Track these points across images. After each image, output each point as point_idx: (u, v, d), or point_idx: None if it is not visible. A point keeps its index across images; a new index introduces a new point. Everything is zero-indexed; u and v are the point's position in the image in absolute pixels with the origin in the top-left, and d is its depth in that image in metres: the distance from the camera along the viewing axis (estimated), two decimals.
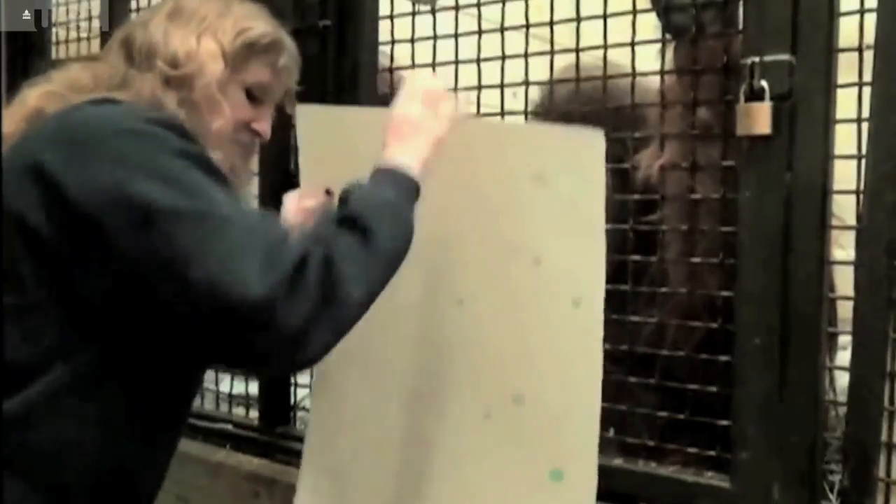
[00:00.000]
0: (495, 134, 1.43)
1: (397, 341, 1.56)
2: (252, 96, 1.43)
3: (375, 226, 1.20)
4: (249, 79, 1.42)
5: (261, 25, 1.43)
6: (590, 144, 1.33)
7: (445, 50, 1.83)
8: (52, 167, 1.17)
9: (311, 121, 1.70)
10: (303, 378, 2.08)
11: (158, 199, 1.13)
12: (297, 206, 1.64)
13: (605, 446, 1.69)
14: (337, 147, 1.63)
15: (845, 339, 1.46)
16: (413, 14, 1.88)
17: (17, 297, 1.19)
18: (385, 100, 1.96)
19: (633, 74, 1.64)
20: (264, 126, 1.46)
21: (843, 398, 1.46)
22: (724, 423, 1.52)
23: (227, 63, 1.38)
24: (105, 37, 2.46)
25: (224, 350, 1.17)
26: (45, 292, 1.19)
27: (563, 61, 1.74)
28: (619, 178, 1.76)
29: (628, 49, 1.62)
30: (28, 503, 1.18)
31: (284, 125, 1.76)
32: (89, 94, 1.31)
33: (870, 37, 1.37)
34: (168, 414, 1.34)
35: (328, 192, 1.58)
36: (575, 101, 1.72)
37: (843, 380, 1.46)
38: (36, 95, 1.33)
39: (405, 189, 1.28)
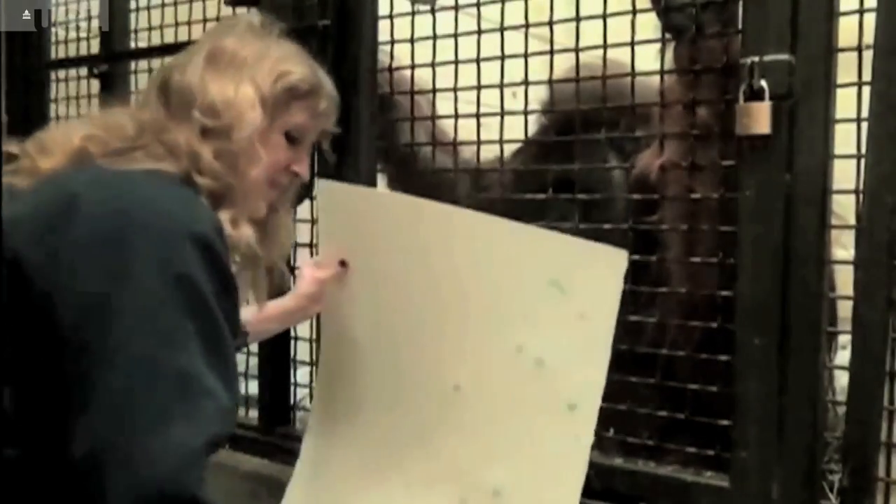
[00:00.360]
0: (517, 235, 1.46)
1: (391, 412, 1.61)
2: (290, 138, 1.41)
3: None
4: (289, 123, 1.39)
5: (300, 69, 1.40)
6: (612, 262, 1.36)
7: (445, 49, 1.84)
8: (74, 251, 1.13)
9: (331, 196, 1.74)
10: (303, 378, 2.08)
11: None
12: (312, 276, 1.68)
13: (605, 446, 1.69)
14: (354, 224, 1.69)
15: (845, 339, 1.46)
16: (412, 14, 1.88)
17: None
18: (385, 100, 1.97)
19: (633, 74, 1.65)
20: (304, 168, 1.44)
21: (842, 398, 1.46)
22: (724, 422, 1.53)
23: (267, 110, 1.35)
24: (105, 37, 2.46)
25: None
26: None
27: (570, 62, 1.74)
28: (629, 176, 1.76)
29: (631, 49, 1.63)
30: None
31: None
32: (131, 142, 1.27)
33: (869, 36, 1.37)
34: None
35: (342, 264, 1.62)
36: (584, 101, 1.72)
37: (842, 379, 1.46)
38: (81, 136, 1.28)
39: None
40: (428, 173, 1.94)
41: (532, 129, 1.92)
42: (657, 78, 1.64)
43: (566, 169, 1.76)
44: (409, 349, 1.58)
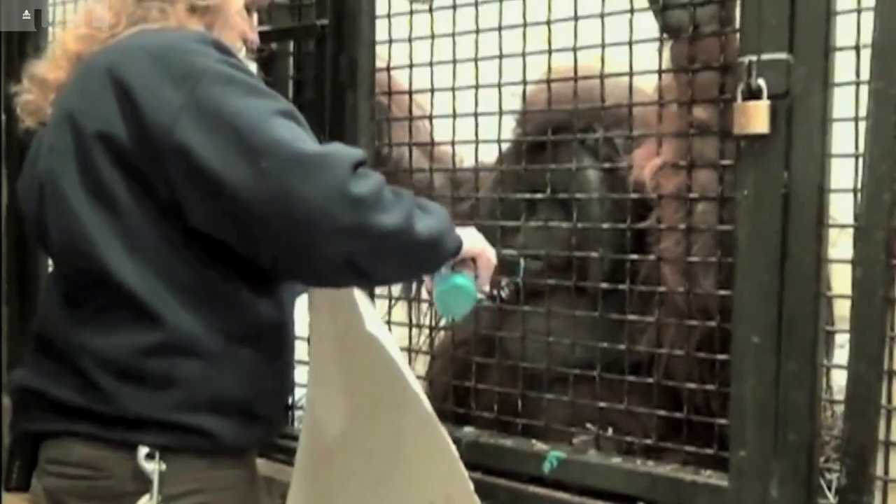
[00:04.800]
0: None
1: (365, 414, 1.62)
2: (247, 9, 1.54)
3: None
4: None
5: None
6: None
7: (443, 49, 1.84)
8: (134, 88, 1.29)
9: None
10: (302, 378, 2.08)
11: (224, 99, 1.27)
12: None
13: (604, 446, 1.70)
14: None
15: (844, 338, 1.46)
16: (410, 13, 1.88)
17: (118, 220, 1.31)
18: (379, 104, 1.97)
19: (631, 73, 1.65)
20: (255, 36, 1.59)
21: (840, 396, 1.46)
22: (722, 421, 1.53)
23: None
24: None
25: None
26: (144, 209, 1.31)
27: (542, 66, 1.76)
28: (611, 178, 1.76)
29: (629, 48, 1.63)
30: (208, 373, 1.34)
31: None
32: (114, 29, 1.41)
33: (867, 35, 1.37)
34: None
35: None
36: (563, 102, 1.74)
37: (841, 378, 1.46)
38: (72, 38, 1.46)
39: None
40: (405, 174, 1.94)
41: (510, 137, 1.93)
42: (636, 80, 1.65)
43: (547, 173, 1.77)
44: (368, 351, 1.60)
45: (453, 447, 1.45)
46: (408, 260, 1.35)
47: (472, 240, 1.44)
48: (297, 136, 1.27)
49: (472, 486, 1.45)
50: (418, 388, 1.47)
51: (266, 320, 1.41)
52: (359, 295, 1.47)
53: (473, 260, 1.46)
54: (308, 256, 1.28)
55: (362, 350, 1.51)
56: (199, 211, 1.30)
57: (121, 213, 1.32)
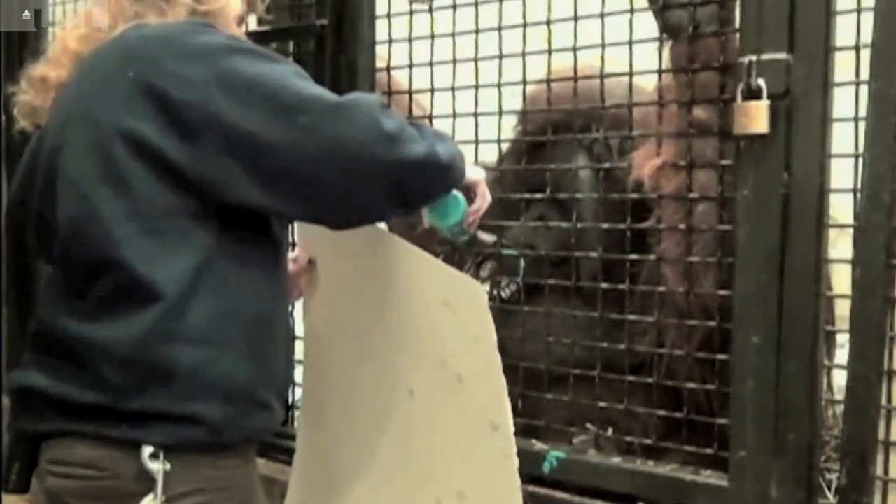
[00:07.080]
0: (412, 256, 1.51)
1: (366, 412, 1.62)
2: (240, 21, 1.59)
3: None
4: (243, 8, 1.56)
5: None
6: (477, 292, 1.43)
7: (443, 49, 1.84)
8: (152, 78, 1.31)
9: None
10: (301, 378, 2.08)
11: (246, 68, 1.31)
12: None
13: (604, 446, 1.70)
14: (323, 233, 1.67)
15: (844, 337, 1.46)
16: (410, 13, 1.89)
17: (134, 206, 1.31)
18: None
19: (631, 73, 1.65)
20: None
21: (840, 396, 1.46)
22: (722, 421, 1.53)
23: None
24: None
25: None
26: (160, 194, 1.32)
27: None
28: (607, 179, 1.76)
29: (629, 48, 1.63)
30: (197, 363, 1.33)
31: None
32: (112, 31, 1.42)
33: (867, 36, 1.37)
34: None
35: (310, 262, 1.67)
36: (562, 102, 1.74)
37: (841, 378, 1.46)
38: (73, 38, 1.47)
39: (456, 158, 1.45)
40: None
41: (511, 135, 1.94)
42: (637, 80, 1.65)
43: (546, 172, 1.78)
44: (373, 352, 1.60)
45: (497, 438, 1.43)
46: (436, 182, 1.42)
47: (472, 169, 1.52)
48: (321, 89, 1.34)
49: (505, 479, 1.42)
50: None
51: (269, 306, 1.42)
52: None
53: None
54: (357, 196, 1.34)
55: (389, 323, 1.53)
56: (238, 184, 1.31)
57: (138, 200, 1.32)
